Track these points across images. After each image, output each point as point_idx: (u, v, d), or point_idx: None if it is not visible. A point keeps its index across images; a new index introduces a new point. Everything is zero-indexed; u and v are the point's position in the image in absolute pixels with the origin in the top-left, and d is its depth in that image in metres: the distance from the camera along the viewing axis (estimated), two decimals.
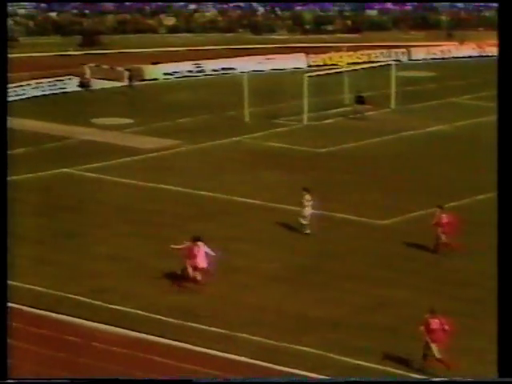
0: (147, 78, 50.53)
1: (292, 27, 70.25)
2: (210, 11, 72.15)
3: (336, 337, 19.53)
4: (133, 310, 20.77)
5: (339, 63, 48.66)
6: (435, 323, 17.78)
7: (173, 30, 68.87)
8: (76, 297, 21.38)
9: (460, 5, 71.54)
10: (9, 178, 30.40)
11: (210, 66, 52.93)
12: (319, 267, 23.75)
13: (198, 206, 28.67)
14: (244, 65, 50.28)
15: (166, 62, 52.06)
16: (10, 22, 64.60)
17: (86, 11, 68.27)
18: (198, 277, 22.14)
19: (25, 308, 20.80)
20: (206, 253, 22.18)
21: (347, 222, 27.26)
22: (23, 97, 44.19)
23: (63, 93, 46.16)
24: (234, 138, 37.38)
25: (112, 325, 19.96)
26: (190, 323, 20.15)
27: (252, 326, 20.05)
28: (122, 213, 27.70)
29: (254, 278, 22.95)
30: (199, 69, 52.79)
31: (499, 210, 15.77)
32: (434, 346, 17.76)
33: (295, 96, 40.92)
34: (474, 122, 39.42)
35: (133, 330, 19.73)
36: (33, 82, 45.57)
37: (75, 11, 68.14)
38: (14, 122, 38.87)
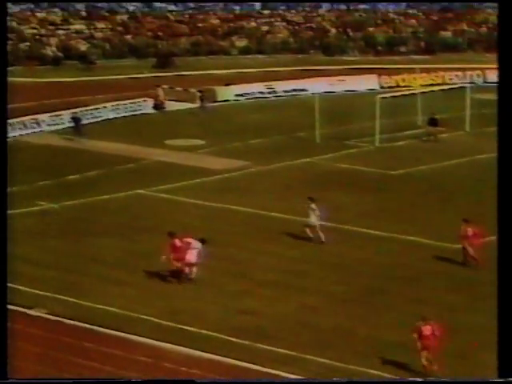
0: (219, 99, 51.09)
1: (364, 48, 70.15)
2: (282, 32, 72.66)
3: (406, 360, 19.29)
4: (203, 331, 20.92)
5: (412, 85, 48.32)
6: (427, 330, 18.67)
7: (245, 51, 69.55)
8: (149, 318, 21.63)
9: None
10: (85, 200, 31.31)
11: (281, 87, 53.24)
12: (389, 290, 23.56)
13: (267, 227, 28.75)
14: (315, 86, 50.40)
15: (238, 83, 52.58)
16: (87, 45, 66.34)
17: (160, 33, 69.56)
18: (186, 269, 23.82)
19: (95, 328, 21.13)
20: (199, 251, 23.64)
21: (418, 244, 26.97)
22: (100, 119, 45.15)
23: (138, 114, 47.00)
24: (304, 159, 37.44)
25: (183, 346, 20.12)
26: (258, 344, 20.20)
27: (320, 347, 20.00)
28: (193, 233, 27.92)
29: (322, 299, 22.92)
30: (270, 90, 53.14)
31: None
32: (424, 353, 18.62)
33: (367, 117, 40.78)
34: None
35: (203, 351, 19.87)
36: (109, 104, 46.54)
37: (150, 34, 69.48)
38: (90, 144, 39.98)
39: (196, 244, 23.99)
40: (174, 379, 17.11)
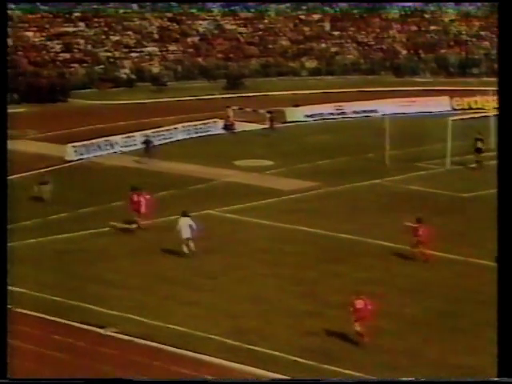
0: (288, 120, 51.29)
1: (436, 70, 69.55)
2: (352, 53, 72.65)
3: None
4: (270, 351, 20.95)
5: (485, 107, 47.65)
6: (359, 303, 20.94)
7: (314, 72, 69.72)
8: (215, 337, 21.77)
9: None
10: (156, 220, 31.66)
11: (351, 108, 53.17)
12: (459, 313, 23.22)
13: (336, 247, 28.72)
14: (386, 107, 50.17)
15: (308, 104, 52.69)
16: (159, 67, 67.47)
17: (231, 55, 70.31)
18: (141, 221, 29.88)
19: (164, 346, 21.36)
20: (191, 226, 27.15)
21: (488, 268, 26.49)
22: (171, 140, 45.77)
23: (208, 135, 47.51)
24: (373, 181, 37.27)
25: (249, 365, 20.18)
26: (325, 365, 20.12)
27: (388, 370, 19.81)
28: (261, 254, 28.11)
29: (392, 321, 22.71)
30: (340, 111, 53.11)
31: None
32: (357, 324, 20.93)
33: (438, 139, 40.40)
34: None
35: (269, 371, 19.88)
36: (180, 125, 47.21)
37: (220, 55, 70.30)
38: (162, 165, 40.54)
39: (185, 221, 27.24)
40: (179, 379, 17.18)
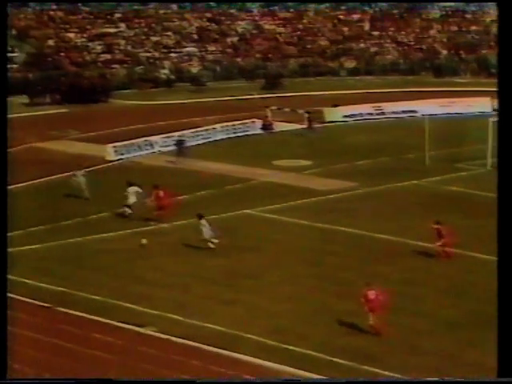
0: (327, 120, 51.23)
1: (476, 70, 68.95)
2: (391, 53, 72.34)
3: None
4: (307, 351, 20.98)
5: None
6: (372, 294, 21.32)
7: (353, 72, 69.56)
8: (253, 337, 21.85)
9: None
10: (194, 220, 31.89)
11: (390, 108, 52.94)
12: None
13: (374, 248, 28.64)
14: (425, 108, 49.86)
15: (346, 104, 52.58)
16: (198, 67, 67.81)
17: (269, 55, 70.43)
18: (160, 217, 31.04)
19: (202, 346, 21.51)
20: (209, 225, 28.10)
21: None
22: (210, 140, 45.98)
23: (247, 135, 47.65)
24: (413, 181, 37.07)
25: (287, 365, 20.23)
26: (364, 366, 20.10)
27: (425, 371, 19.72)
28: (299, 254, 28.14)
29: (432, 323, 22.64)
30: (379, 111, 52.89)
31: None
32: (370, 315, 21.19)
33: (478, 140, 40.03)
34: None
35: (307, 371, 19.91)
36: (218, 125, 47.42)
37: (259, 55, 70.46)
38: (200, 165, 40.77)
39: (203, 222, 28.22)
40: (173, 379, 17.26)
